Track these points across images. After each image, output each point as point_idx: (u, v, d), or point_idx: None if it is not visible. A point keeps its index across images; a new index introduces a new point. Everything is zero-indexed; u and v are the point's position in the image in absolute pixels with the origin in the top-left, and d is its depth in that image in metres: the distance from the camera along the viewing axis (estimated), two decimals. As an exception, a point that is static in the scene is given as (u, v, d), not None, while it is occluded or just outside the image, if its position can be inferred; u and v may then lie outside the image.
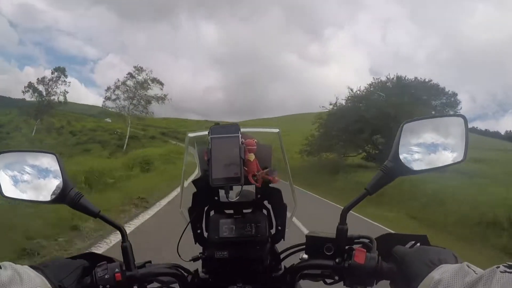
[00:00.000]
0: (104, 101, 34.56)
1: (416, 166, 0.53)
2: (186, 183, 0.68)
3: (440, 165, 0.54)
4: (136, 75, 33.47)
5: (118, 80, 33.99)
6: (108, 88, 34.21)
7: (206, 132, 0.56)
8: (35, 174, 0.57)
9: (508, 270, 0.32)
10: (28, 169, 0.58)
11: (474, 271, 0.36)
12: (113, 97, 33.74)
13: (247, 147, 0.56)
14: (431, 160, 0.54)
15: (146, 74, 33.61)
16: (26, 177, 0.58)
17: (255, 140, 0.58)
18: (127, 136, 34.66)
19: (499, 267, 0.33)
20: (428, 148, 0.54)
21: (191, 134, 0.63)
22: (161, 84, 33.78)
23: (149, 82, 33.52)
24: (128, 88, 33.33)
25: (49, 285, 0.46)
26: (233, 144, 0.54)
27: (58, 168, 0.56)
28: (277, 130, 0.63)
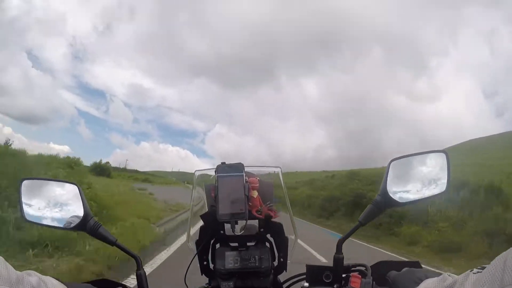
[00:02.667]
0: None
1: (403, 199, 0.59)
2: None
3: (425, 196, 0.60)
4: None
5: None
6: None
7: (213, 170, 0.62)
8: (57, 201, 0.63)
9: (479, 270, 0.36)
10: (50, 196, 0.63)
11: (452, 277, 0.41)
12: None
13: (251, 185, 0.62)
14: (416, 193, 0.60)
15: None
16: (48, 203, 0.63)
17: (258, 178, 0.65)
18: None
19: (472, 270, 0.37)
20: (413, 182, 0.60)
21: (198, 172, 0.69)
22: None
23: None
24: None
25: None
26: (238, 182, 0.60)
27: (79, 197, 0.61)
28: (278, 169, 0.69)
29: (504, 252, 0.33)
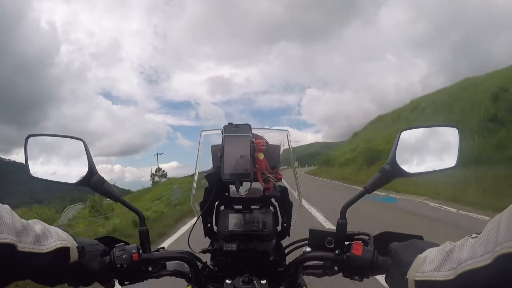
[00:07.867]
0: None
1: (411, 170, 0.58)
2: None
3: (434, 169, 0.59)
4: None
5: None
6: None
7: (220, 131, 0.62)
8: (62, 157, 0.63)
9: (477, 235, 0.37)
10: (56, 152, 0.63)
11: (452, 244, 0.42)
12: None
13: (257, 147, 0.61)
14: (425, 165, 0.59)
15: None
16: (53, 159, 0.63)
17: (265, 140, 0.64)
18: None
19: (471, 235, 0.39)
20: (423, 154, 0.60)
21: (205, 132, 0.69)
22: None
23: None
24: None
25: (74, 242, 0.50)
26: (244, 142, 0.59)
27: (84, 153, 0.61)
28: (285, 132, 0.68)
29: (498, 215, 0.34)
